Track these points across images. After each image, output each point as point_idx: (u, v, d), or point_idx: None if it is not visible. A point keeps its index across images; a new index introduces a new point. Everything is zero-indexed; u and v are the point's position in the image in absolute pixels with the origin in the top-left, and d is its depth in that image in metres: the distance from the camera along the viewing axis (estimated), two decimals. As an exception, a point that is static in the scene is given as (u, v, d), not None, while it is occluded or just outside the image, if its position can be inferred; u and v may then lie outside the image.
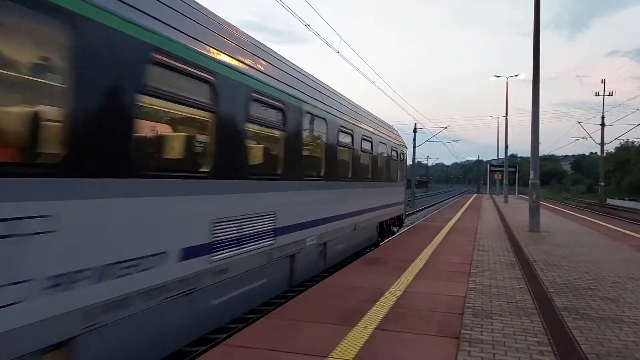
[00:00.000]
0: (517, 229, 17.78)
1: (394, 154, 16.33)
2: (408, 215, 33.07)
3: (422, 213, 36.32)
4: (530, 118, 17.20)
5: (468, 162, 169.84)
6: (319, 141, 9.38)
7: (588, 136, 73.17)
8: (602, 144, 54.43)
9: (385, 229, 16.10)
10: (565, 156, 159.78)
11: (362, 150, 12.01)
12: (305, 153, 8.43)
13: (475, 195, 70.75)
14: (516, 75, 46.30)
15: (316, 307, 6.32)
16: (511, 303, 6.89)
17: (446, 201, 58.47)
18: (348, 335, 5.21)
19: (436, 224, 19.38)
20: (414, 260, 10.20)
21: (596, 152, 76.36)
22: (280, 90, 7.29)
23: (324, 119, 9.32)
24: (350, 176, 11.11)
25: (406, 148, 19.43)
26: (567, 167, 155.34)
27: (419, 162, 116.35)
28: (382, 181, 14.45)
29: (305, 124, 8.39)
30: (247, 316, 7.03)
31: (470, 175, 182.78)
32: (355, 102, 12.64)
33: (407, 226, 22.06)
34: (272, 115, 7.22)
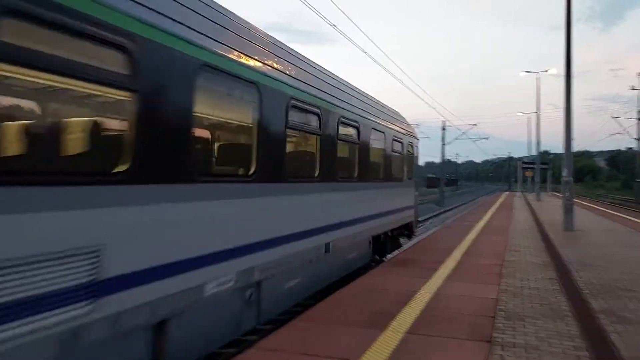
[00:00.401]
0: (551, 228, 17.40)
1: (397, 146, 12.53)
2: (437, 216, 32.79)
3: (452, 212, 35.95)
4: (562, 113, 16.86)
5: (499, 159, 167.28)
6: (244, 118, 5.96)
7: (624, 131, 70.99)
8: None
9: (387, 242, 12.52)
10: (600, 152, 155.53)
11: (339, 139, 8.46)
12: (200, 134, 5.09)
13: (506, 193, 69.55)
14: (546, 71, 45.45)
15: (346, 310, 6.33)
16: (544, 305, 6.76)
17: (477, 200, 57.67)
18: (379, 339, 5.20)
19: (467, 224, 19.14)
20: (445, 261, 10.10)
21: (632, 148, 73.99)
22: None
23: (254, 82, 5.75)
24: (316, 175, 7.68)
25: (417, 140, 15.78)
26: (601, 163, 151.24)
27: (448, 160, 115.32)
28: (377, 181, 10.93)
29: (201, 83, 4.87)
30: (279, 317, 7.09)
31: (501, 173, 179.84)
32: (333, 73, 9.16)
33: (437, 226, 21.86)
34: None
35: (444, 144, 49.02)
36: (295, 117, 6.90)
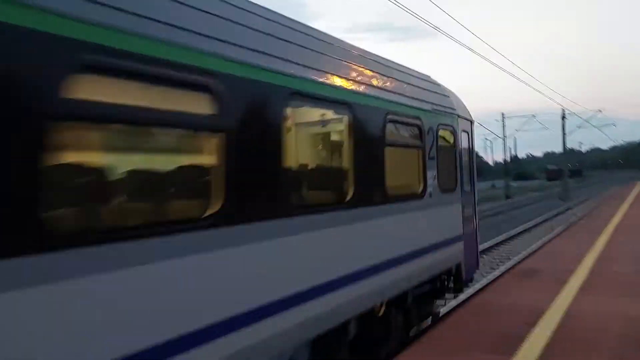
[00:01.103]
0: (702, 224, 15.29)
1: (411, 135, 6.99)
2: (562, 213, 30.25)
3: (578, 208, 33.09)
4: None
5: (629, 144, 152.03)
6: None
7: None
8: None
9: (392, 317, 6.44)
10: None
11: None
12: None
13: (641, 182, 62.85)
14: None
15: (468, 333, 5.92)
16: None
17: (606, 192, 52.70)
18: (506, 370, 4.77)
19: (597, 222, 17.43)
20: (575, 270, 9.19)
21: None
22: None
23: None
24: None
25: (469, 121, 9.09)
26: None
27: (571, 149, 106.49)
28: (330, 210, 5.04)
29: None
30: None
31: (633, 159, 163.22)
32: None
33: (563, 226, 20.18)
34: None
35: (564, 134, 45.47)
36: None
